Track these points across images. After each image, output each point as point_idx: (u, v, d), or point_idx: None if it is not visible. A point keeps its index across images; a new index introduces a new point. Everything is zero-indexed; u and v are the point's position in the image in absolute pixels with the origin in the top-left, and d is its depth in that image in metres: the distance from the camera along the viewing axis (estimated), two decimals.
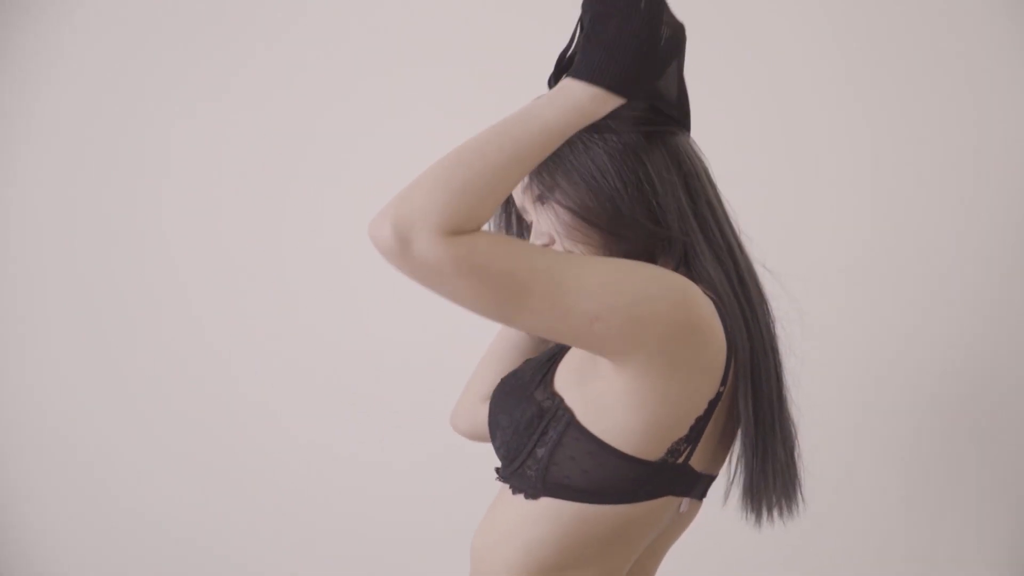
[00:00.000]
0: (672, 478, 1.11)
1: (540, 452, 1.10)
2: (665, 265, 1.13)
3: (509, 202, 1.21)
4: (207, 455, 1.97)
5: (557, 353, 1.18)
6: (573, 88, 0.99)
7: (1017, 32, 1.78)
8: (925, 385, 1.80)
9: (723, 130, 1.85)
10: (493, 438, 1.17)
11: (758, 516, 1.17)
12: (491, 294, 0.95)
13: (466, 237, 0.93)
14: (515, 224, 1.24)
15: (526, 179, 1.12)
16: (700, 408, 1.08)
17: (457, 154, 0.96)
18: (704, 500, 1.19)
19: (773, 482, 1.15)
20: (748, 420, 1.11)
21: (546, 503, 1.11)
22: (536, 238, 1.15)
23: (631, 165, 1.10)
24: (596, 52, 0.99)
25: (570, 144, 1.10)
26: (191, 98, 1.98)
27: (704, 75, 1.88)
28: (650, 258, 1.13)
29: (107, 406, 1.99)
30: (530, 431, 1.11)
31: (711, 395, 1.08)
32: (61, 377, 2.00)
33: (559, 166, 1.11)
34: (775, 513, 1.18)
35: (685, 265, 1.13)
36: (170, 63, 1.98)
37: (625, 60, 1.00)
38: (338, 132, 1.95)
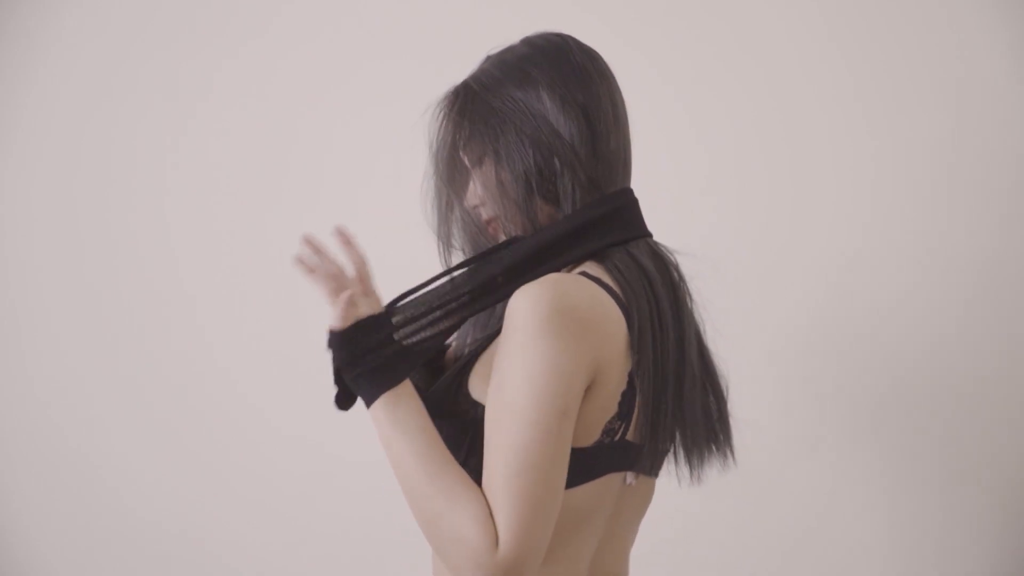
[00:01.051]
0: (610, 456, 1.12)
1: (472, 463, 1.09)
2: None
3: (458, 151, 1.22)
4: (206, 455, 1.97)
5: (461, 365, 1.17)
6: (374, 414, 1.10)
7: (1015, 32, 1.77)
8: (927, 386, 1.79)
9: (723, 129, 1.87)
10: None
11: (689, 471, 1.21)
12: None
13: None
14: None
15: (467, 132, 1.18)
16: (623, 383, 1.09)
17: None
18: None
19: (694, 437, 1.18)
20: (647, 379, 1.10)
21: None
22: (471, 198, 1.20)
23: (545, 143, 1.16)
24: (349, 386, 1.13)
25: (491, 120, 1.16)
26: (190, 97, 1.98)
27: (704, 75, 1.89)
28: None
29: (106, 406, 1.99)
30: (459, 445, 1.10)
31: (628, 367, 1.09)
32: (60, 378, 1.99)
33: (483, 141, 1.16)
34: (696, 468, 1.21)
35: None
36: (164, 64, 1.99)
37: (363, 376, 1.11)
38: (337, 132, 1.96)
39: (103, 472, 1.98)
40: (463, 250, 1.25)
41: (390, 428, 1.08)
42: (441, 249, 1.26)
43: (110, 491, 1.98)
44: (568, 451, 1.05)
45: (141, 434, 1.98)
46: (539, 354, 1.02)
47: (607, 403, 1.09)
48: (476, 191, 1.20)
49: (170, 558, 1.97)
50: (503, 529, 1.01)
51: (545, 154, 1.15)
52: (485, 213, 1.20)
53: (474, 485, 1.04)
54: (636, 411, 1.11)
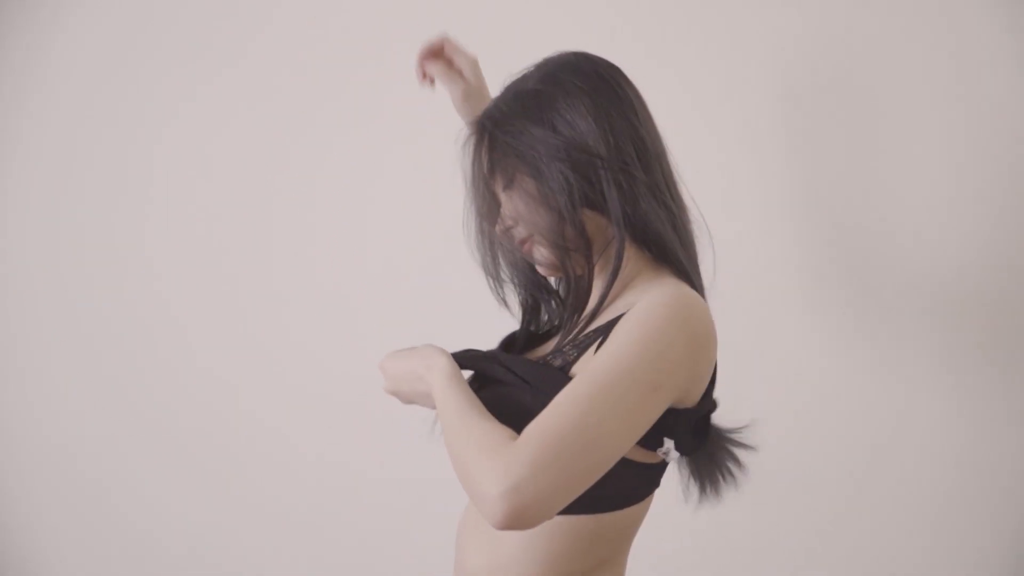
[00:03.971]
0: (660, 473, 1.21)
1: None
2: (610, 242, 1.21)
3: (487, 183, 1.25)
4: (199, 459, 1.96)
5: (556, 375, 1.16)
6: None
7: (1016, 34, 1.76)
8: (929, 388, 1.78)
9: (729, 128, 1.85)
10: None
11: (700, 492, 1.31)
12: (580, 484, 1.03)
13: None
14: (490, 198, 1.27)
15: (488, 166, 1.21)
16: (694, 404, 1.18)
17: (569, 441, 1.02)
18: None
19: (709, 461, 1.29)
20: (710, 404, 1.22)
21: (562, 518, 1.16)
22: (503, 221, 1.23)
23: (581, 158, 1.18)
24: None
25: (522, 138, 1.18)
26: (180, 99, 1.97)
27: (712, 88, 1.88)
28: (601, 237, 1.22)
29: (98, 411, 1.98)
30: None
31: (702, 392, 1.17)
32: (54, 385, 1.99)
33: (517, 159, 1.19)
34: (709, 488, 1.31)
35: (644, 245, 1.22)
36: (158, 65, 1.97)
37: None
38: (332, 134, 1.94)
39: (102, 482, 1.98)
40: (513, 281, 1.32)
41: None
42: (493, 286, 1.31)
43: (109, 500, 1.98)
44: (637, 428, 1.05)
45: (136, 443, 1.97)
46: (663, 335, 1.07)
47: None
48: (509, 212, 1.22)
49: (167, 568, 1.97)
50: (520, 456, 1.01)
51: (586, 161, 1.17)
52: (520, 233, 1.23)
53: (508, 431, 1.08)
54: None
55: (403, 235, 1.88)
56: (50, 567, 1.98)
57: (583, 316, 1.20)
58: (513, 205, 1.21)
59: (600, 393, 1.02)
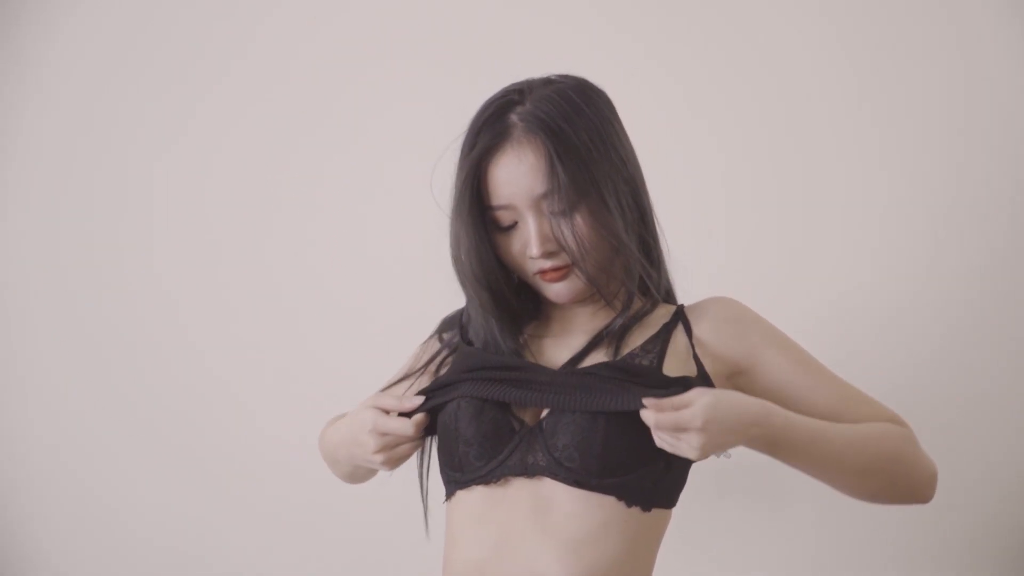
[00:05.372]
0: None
1: (660, 464, 1.18)
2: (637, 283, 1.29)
3: (481, 205, 1.25)
4: (198, 462, 1.97)
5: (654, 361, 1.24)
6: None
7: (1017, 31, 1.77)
8: (936, 390, 1.79)
9: (732, 134, 1.86)
10: (579, 439, 1.17)
11: None
12: None
13: None
14: (480, 226, 1.27)
15: (540, 189, 1.20)
16: None
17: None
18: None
19: None
20: None
21: (656, 512, 1.20)
22: (543, 243, 1.22)
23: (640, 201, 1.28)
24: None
25: (599, 165, 1.21)
26: (180, 103, 1.98)
27: (713, 80, 1.88)
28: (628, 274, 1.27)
29: (104, 418, 1.99)
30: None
31: None
32: (56, 388, 2.00)
33: (590, 183, 1.20)
34: None
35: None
36: (163, 66, 1.99)
37: None
38: (329, 137, 1.96)
39: (98, 483, 1.99)
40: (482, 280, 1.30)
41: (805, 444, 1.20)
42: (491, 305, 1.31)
43: (105, 501, 1.98)
44: None
45: (133, 443, 1.98)
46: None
47: None
48: (557, 235, 1.22)
49: (164, 568, 1.97)
50: (897, 417, 1.28)
51: (642, 195, 1.29)
52: (559, 260, 1.23)
53: (876, 423, 1.25)
54: None
55: (407, 236, 1.88)
56: (54, 568, 1.99)
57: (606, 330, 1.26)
58: (572, 231, 1.20)
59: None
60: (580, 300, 1.28)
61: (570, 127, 1.20)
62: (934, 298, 1.78)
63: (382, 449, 1.25)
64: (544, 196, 1.20)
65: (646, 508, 1.18)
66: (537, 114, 1.21)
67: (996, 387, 1.76)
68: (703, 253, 1.81)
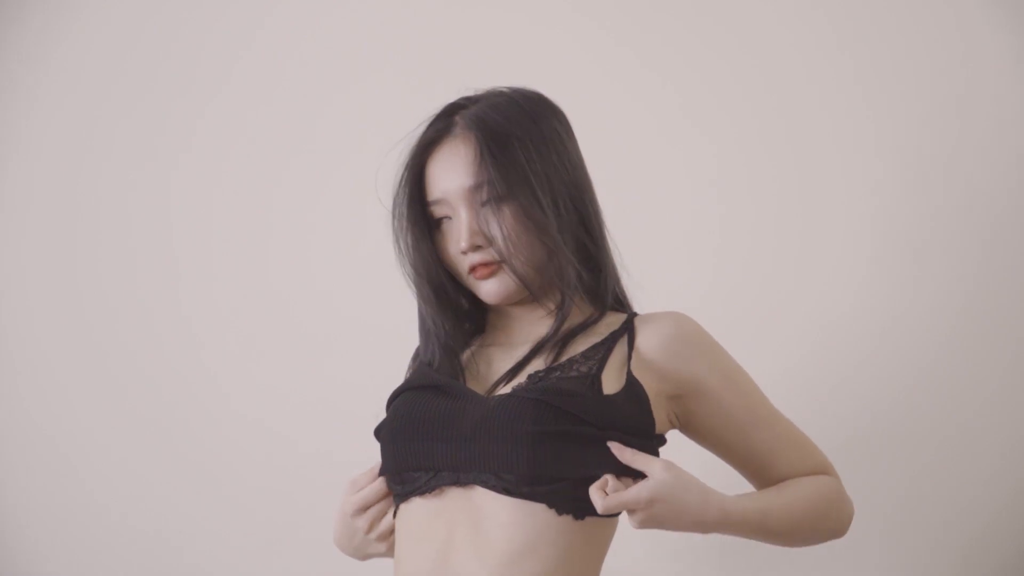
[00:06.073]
0: None
1: (591, 473, 1.15)
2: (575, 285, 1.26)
3: (421, 202, 1.27)
4: (199, 462, 1.95)
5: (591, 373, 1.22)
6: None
7: (1020, 35, 1.77)
8: (934, 400, 1.76)
9: (728, 137, 1.85)
10: (504, 446, 1.15)
11: None
12: None
13: None
14: (419, 221, 1.28)
15: (469, 182, 1.22)
16: None
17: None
18: None
19: None
20: None
21: (593, 522, 1.17)
22: (472, 236, 1.22)
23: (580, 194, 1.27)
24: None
25: (538, 163, 1.22)
26: (186, 104, 1.97)
27: (709, 85, 1.88)
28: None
29: (101, 415, 1.97)
30: (643, 407, 1.19)
31: None
32: (55, 384, 1.98)
33: (523, 180, 1.20)
34: None
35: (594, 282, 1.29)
36: (164, 70, 1.98)
37: None
38: (331, 137, 1.95)
39: (94, 479, 1.97)
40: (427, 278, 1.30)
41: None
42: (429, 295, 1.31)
43: (107, 500, 1.96)
44: None
45: (136, 442, 1.96)
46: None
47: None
48: (484, 230, 1.22)
49: (166, 567, 1.95)
50: (825, 463, 1.30)
51: (586, 201, 1.27)
52: (487, 256, 1.22)
53: (804, 478, 1.27)
54: None
55: None
56: (59, 568, 1.97)
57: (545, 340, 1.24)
58: (499, 225, 1.21)
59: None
60: (513, 301, 1.26)
61: (508, 125, 1.22)
62: (926, 309, 1.77)
63: (370, 526, 1.29)
64: (474, 188, 1.22)
65: (578, 516, 1.15)
66: (479, 114, 1.24)
67: (993, 396, 1.74)
68: (692, 262, 1.82)
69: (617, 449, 1.14)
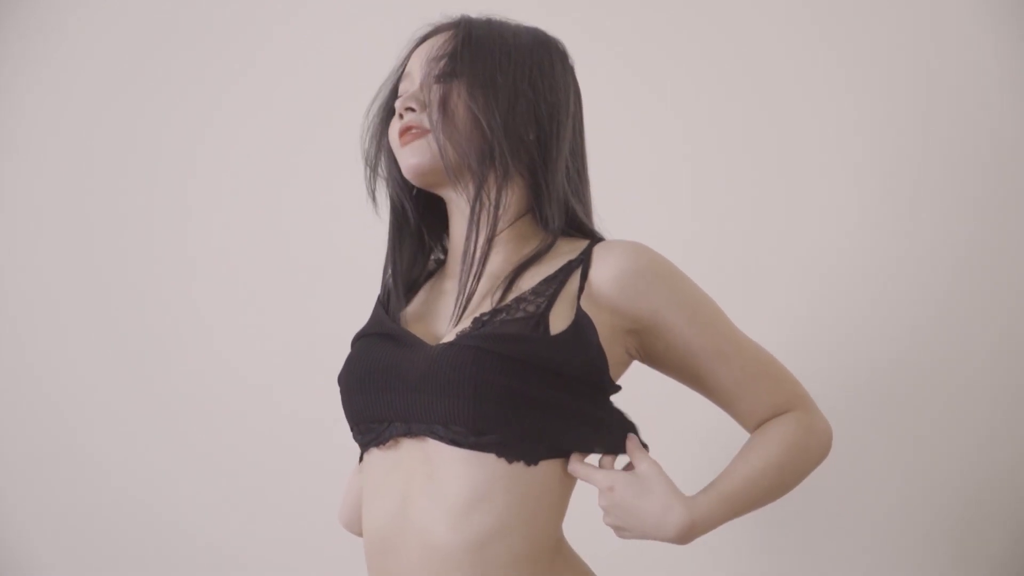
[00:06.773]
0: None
1: (540, 412, 1.13)
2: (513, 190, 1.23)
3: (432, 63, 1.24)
4: (214, 453, 1.97)
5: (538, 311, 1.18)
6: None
7: (1014, 36, 1.76)
8: (918, 381, 1.76)
9: (708, 130, 1.85)
10: (447, 399, 1.12)
11: None
12: None
13: None
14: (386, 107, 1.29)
15: (434, 53, 1.21)
16: None
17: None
18: None
19: None
20: None
21: (547, 466, 1.15)
22: (411, 97, 1.21)
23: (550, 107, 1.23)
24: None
25: (505, 61, 1.20)
26: (199, 99, 2.01)
27: (689, 75, 1.87)
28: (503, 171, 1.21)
29: (115, 405, 2.00)
30: (590, 340, 1.15)
31: None
32: (69, 376, 2.01)
33: (484, 67, 1.19)
34: None
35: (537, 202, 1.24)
36: (172, 70, 2.02)
37: None
38: (341, 133, 1.96)
39: (110, 470, 1.99)
40: (386, 179, 1.31)
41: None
42: (368, 176, 1.32)
43: (117, 489, 1.99)
44: None
45: (155, 435, 1.99)
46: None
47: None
48: (427, 98, 1.20)
49: (178, 556, 1.97)
50: (795, 394, 1.24)
51: (551, 121, 1.23)
52: (418, 120, 1.20)
53: (767, 431, 1.21)
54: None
55: None
56: (64, 568, 2.00)
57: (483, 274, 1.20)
58: (442, 94, 1.18)
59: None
60: (430, 182, 1.23)
61: (499, 33, 1.23)
62: (908, 292, 1.77)
63: None
64: (435, 59, 1.20)
65: (531, 462, 1.13)
66: (476, 19, 1.25)
67: (981, 381, 1.74)
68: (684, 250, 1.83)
69: (576, 465, 1.16)
